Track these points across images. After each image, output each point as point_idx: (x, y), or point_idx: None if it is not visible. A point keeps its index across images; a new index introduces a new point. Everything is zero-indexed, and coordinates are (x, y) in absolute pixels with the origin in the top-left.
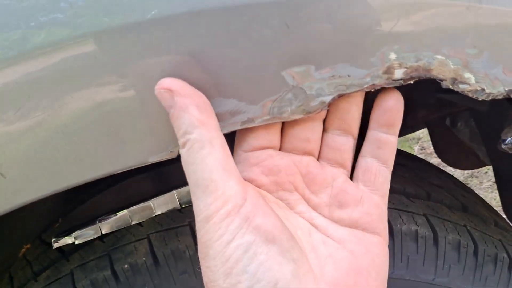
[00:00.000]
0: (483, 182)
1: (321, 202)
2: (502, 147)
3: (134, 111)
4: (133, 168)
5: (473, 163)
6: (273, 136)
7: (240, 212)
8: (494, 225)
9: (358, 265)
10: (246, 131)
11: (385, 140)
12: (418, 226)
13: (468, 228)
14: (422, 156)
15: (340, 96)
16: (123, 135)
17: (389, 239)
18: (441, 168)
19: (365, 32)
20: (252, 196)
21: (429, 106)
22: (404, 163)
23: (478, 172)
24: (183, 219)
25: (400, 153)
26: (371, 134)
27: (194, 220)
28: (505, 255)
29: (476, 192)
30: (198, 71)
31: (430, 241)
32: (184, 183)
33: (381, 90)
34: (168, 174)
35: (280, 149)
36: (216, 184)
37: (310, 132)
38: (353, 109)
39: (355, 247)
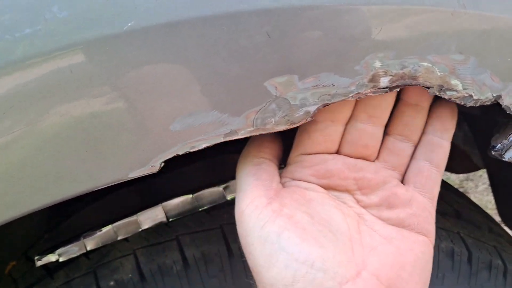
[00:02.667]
0: (478, 185)
1: (371, 203)
2: (492, 154)
3: (114, 126)
4: (113, 184)
5: (467, 167)
6: (331, 143)
7: (267, 207)
8: (488, 231)
9: (403, 260)
10: (304, 136)
11: (439, 144)
12: None
13: (462, 235)
14: None
15: (325, 105)
16: (103, 151)
17: None
18: None
19: (349, 40)
20: (283, 197)
21: None
22: None
23: (473, 175)
24: (170, 234)
25: None
26: (425, 138)
27: (181, 235)
28: (500, 262)
29: (472, 195)
30: (178, 83)
31: None
32: (171, 196)
33: (437, 98)
34: (155, 186)
35: (337, 152)
36: (246, 187)
37: (369, 139)
38: (419, 117)
39: (400, 244)
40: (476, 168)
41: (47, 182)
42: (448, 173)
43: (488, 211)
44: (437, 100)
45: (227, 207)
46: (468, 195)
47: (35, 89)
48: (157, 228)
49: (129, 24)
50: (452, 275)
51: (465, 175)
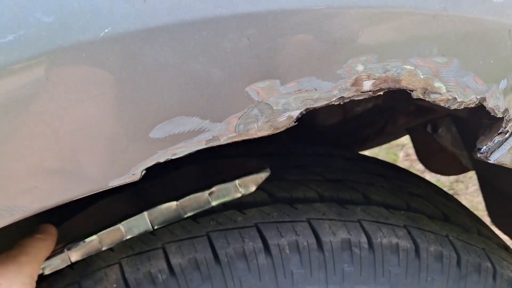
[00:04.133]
0: (468, 187)
1: None
2: (478, 156)
3: (93, 135)
4: (94, 193)
5: (456, 169)
6: None
7: None
8: (477, 233)
9: None
10: None
11: None
12: (399, 238)
13: (450, 238)
14: (407, 163)
15: (308, 110)
16: (82, 160)
17: (370, 253)
18: (422, 176)
19: (330, 44)
20: None
21: (408, 113)
22: (384, 173)
23: (463, 176)
24: (155, 242)
25: (379, 163)
26: None
27: (167, 243)
28: (489, 264)
29: (463, 197)
30: (157, 89)
31: (412, 253)
32: (158, 202)
33: None
34: (144, 192)
35: None
36: None
37: None
38: None
39: None
40: (465, 170)
41: (23, 193)
42: (438, 175)
43: (479, 212)
44: None
45: (213, 214)
46: (458, 196)
47: (13, 98)
48: (143, 236)
49: (106, 31)
50: (441, 278)
51: (455, 177)
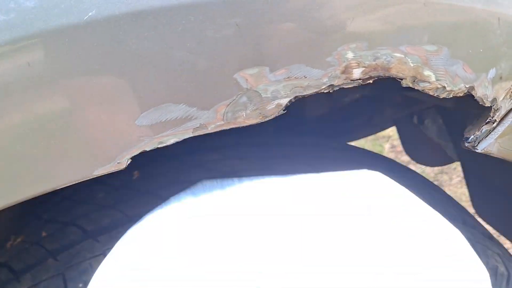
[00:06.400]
0: (452, 178)
1: None
2: (465, 146)
3: (77, 122)
4: (78, 182)
5: (441, 160)
6: None
7: None
8: (462, 223)
9: None
10: None
11: None
12: None
13: None
14: (392, 154)
15: (297, 98)
16: (65, 149)
17: None
18: (409, 167)
19: (321, 31)
20: None
21: (395, 104)
22: (371, 163)
23: (447, 168)
24: None
25: (368, 154)
26: None
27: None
28: None
29: (447, 188)
30: (143, 75)
31: None
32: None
33: None
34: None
35: None
36: None
37: None
38: None
39: None
40: (450, 161)
41: (4, 183)
42: (423, 166)
43: (463, 203)
44: None
45: None
46: (442, 188)
47: None
48: None
49: (90, 14)
50: None
51: (439, 168)
